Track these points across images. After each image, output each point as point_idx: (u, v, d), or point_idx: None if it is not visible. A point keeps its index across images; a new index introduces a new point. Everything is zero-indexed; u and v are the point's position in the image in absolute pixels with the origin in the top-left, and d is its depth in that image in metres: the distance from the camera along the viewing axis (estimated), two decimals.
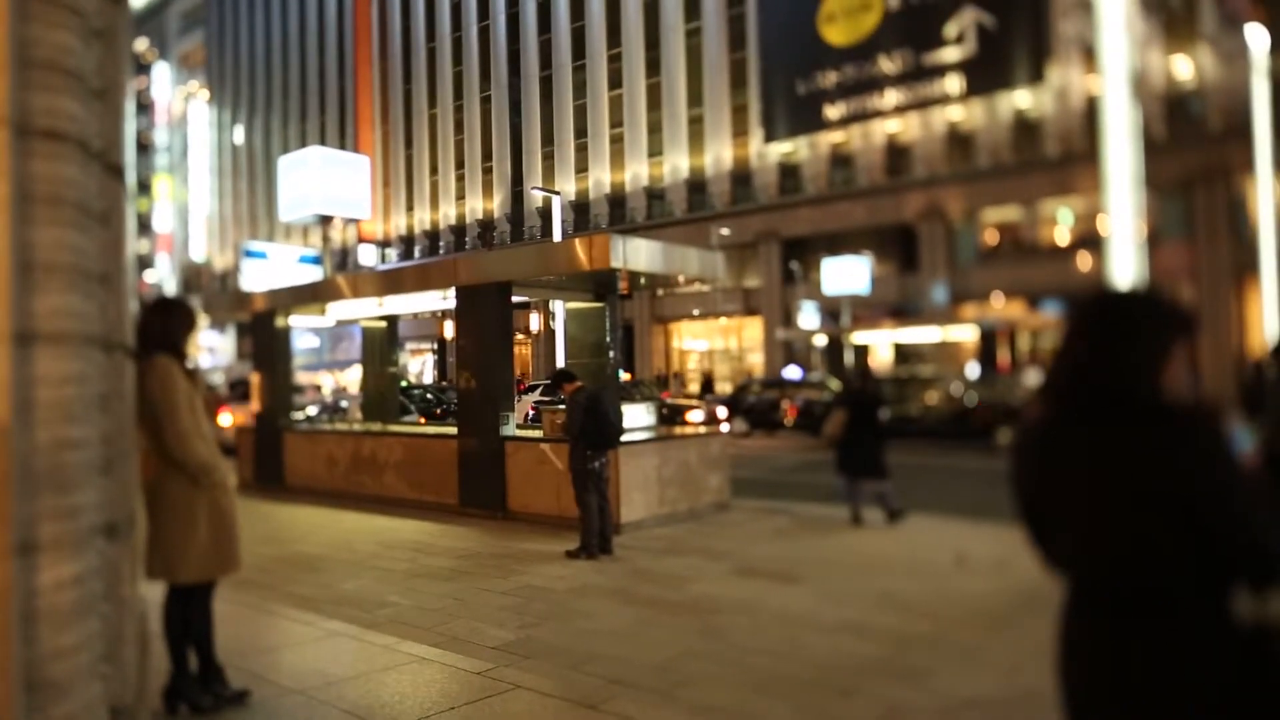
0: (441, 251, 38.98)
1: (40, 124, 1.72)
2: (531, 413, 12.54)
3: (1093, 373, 1.41)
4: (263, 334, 10.84)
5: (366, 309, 10.61)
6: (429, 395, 16.89)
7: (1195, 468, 1.29)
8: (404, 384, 16.79)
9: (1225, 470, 1.29)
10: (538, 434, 8.20)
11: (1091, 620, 1.40)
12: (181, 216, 54.24)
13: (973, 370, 21.98)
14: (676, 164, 31.95)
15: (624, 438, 6.67)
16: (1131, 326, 1.40)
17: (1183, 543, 1.30)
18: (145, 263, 54.67)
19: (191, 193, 52.76)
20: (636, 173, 33.15)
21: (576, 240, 7.68)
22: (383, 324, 11.36)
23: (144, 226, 54.64)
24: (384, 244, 41.63)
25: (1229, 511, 1.28)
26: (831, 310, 26.60)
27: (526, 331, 23.91)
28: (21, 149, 1.69)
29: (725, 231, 28.84)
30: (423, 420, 13.71)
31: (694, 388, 29.48)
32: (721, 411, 16.71)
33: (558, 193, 25.15)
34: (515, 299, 8.67)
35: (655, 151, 32.57)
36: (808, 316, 26.60)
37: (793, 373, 22.62)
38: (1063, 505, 1.43)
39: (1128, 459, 1.33)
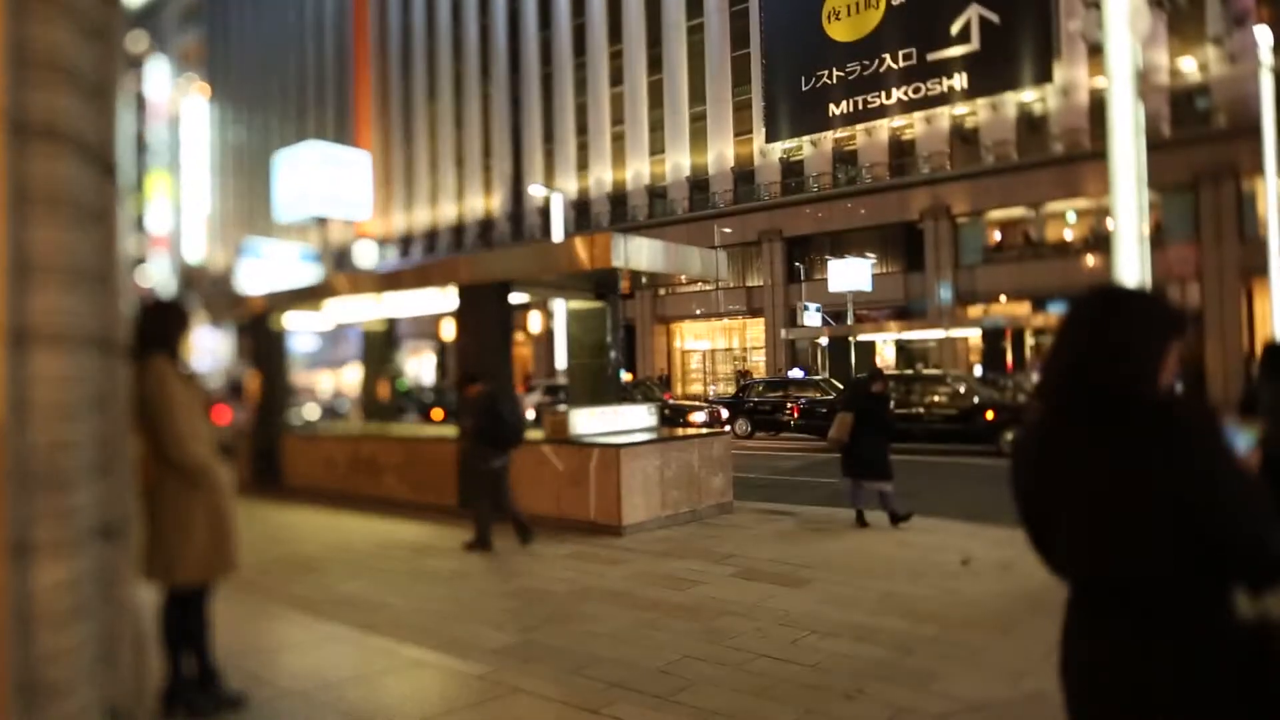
0: (441, 251, 38.97)
1: (36, 122, 1.69)
2: (532, 413, 12.51)
3: (1087, 372, 1.40)
4: (261, 336, 10.82)
5: (366, 310, 10.59)
6: (425, 399, 16.73)
7: (1190, 466, 1.28)
8: (403, 387, 16.67)
9: (1221, 469, 1.29)
10: (537, 435, 8.17)
11: (1091, 620, 1.40)
12: (179, 215, 54.28)
13: (977, 370, 21.90)
14: (678, 162, 31.91)
15: (629, 440, 6.64)
16: (1125, 326, 1.40)
17: (1180, 542, 1.29)
18: (142, 262, 54.70)
19: (189, 191, 52.79)
20: (638, 171, 33.11)
21: (577, 239, 7.65)
22: (382, 325, 11.34)
23: (140, 225, 54.67)
24: (383, 242, 41.63)
25: (1225, 511, 1.27)
26: (835, 310, 26.56)
27: (527, 331, 23.89)
28: (17, 147, 1.66)
29: (728, 230, 28.81)
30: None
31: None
32: (721, 412, 16.68)
33: (558, 191, 25.12)
34: (515, 299, 8.65)
35: (657, 149, 32.54)
36: (811, 316, 26.54)
37: (798, 373, 22.49)
38: (1061, 505, 1.43)
39: (1124, 458, 1.33)
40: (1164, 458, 1.29)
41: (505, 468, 6.55)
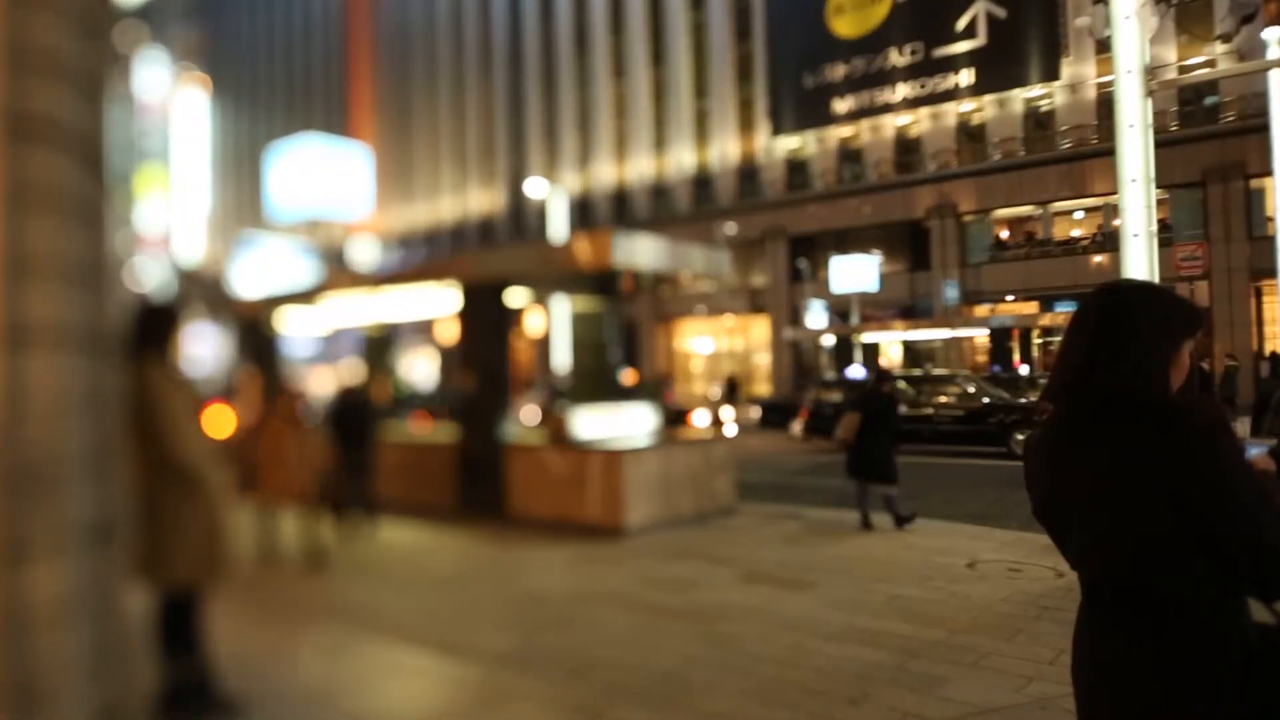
0: (440, 249, 38.90)
1: (30, 120, 1.67)
2: (534, 414, 12.48)
3: (1096, 372, 1.38)
4: (257, 337, 10.80)
5: (364, 312, 10.51)
6: (423, 401, 16.56)
7: (1199, 469, 1.26)
8: (402, 389, 16.53)
9: (1230, 473, 1.26)
10: (538, 437, 8.14)
11: (1104, 622, 1.39)
12: (175, 212, 54.09)
13: (1020, 369, 21.59)
14: (681, 159, 31.81)
15: (631, 441, 6.59)
16: (1134, 325, 1.37)
17: (1190, 543, 1.27)
18: (137, 261, 54.45)
19: (186, 187, 52.70)
20: (640, 168, 33.00)
21: (579, 237, 7.61)
22: (381, 327, 11.29)
23: (130, 223, 54.32)
24: (381, 240, 41.57)
25: (1234, 515, 1.25)
26: (840, 309, 26.43)
27: (526, 332, 23.83)
28: (12, 146, 1.64)
29: (731, 228, 28.71)
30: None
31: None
32: (725, 413, 16.55)
33: (559, 187, 25.03)
34: (515, 298, 8.60)
35: (660, 146, 32.42)
36: (815, 315, 26.43)
37: (856, 372, 21.21)
38: (1073, 507, 1.41)
39: (1132, 460, 1.31)
40: (1172, 460, 1.27)
41: (355, 463, 7.57)
